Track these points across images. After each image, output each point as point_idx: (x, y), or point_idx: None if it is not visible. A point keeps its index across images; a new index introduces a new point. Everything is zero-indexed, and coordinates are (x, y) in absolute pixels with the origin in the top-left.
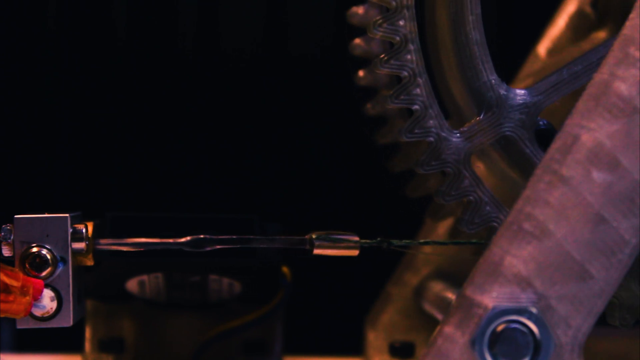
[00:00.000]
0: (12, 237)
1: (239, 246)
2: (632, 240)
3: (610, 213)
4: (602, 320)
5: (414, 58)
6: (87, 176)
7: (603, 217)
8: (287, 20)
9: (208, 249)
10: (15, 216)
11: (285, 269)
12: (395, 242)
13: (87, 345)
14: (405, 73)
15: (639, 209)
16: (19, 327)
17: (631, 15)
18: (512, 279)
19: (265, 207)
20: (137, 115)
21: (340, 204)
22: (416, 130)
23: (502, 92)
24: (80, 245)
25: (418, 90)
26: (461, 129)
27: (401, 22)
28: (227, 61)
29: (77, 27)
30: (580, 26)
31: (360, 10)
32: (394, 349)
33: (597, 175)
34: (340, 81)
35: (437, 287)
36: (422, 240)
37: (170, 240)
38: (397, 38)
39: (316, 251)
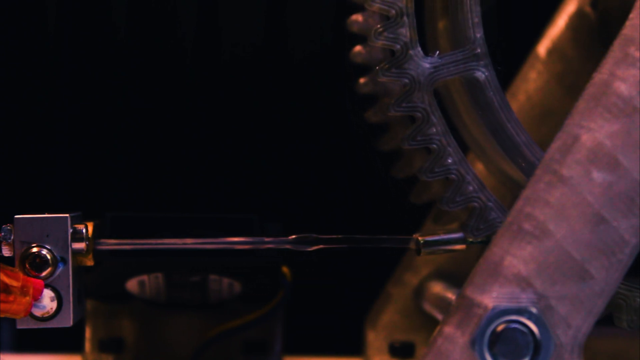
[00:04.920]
0: (12, 237)
1: (343, 245)
2: (632, 240)
3: (610, 213)
4: (602, 321)
5: (455, 159)
6: (87, 176)
7: (603, 217)
8: (287, 20)
9: (314, 248)
10: (15, 216)
11: (285, 269)
12: None
13: (87, 345)
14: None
15: (639, 209)
16: (19, 327)
17: (631, 15)
18: (512, 279)
19: (265, 207)
20: (137, 115)
21: (341, 204)
22: (481, 226)
23: None
24: (80, 245)
25: (471, 187)
26: None
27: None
28: (227, 61)
29: (77, 27)
30: (580, 26)
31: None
32: (394, 349)
33: (597, 175)
34: (341, 81)
35: (437, 287)
36: None
37: (275, 239)
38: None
39: (424, 252)
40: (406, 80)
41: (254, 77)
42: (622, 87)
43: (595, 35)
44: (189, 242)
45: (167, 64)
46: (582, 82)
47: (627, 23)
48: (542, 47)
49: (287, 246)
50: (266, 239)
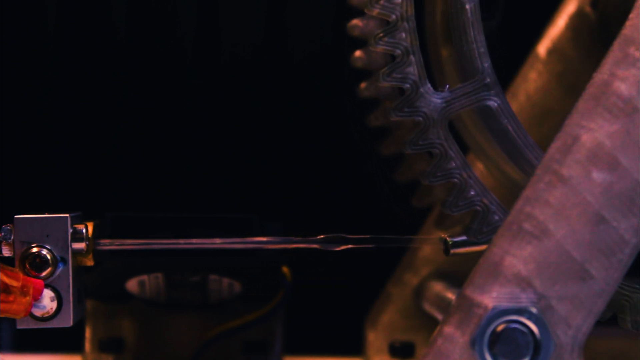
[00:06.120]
0: (12, 237)
1: (372, 246)
2: (632, 240)
3: (610, 213)
4: (602, 321)
5: (478, 190)
6: (87, 176)
7: (603, 217)
8: (287, 20)
9: (342, 248)
10: (15, 216)
11: (285, 269)
12: None
13: (87, 345)
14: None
15: (639, 209)
16: (19, 327)
17: (631, 15)
18: (512, 279)
19: (265, 207)
20: (137, 115)
21: (341, 204)
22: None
23: None
24: (80, 245)
25: (497, 217)
26: None
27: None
28: (227, 61)
29: (77, 27)
30: (580, 26)
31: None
32: (394, 349)
33: (597, 175)
34: (341, 81)
35: (437, 287)
36: None
37: (303, 239)
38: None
39: (453, 251)
40: (420, 119)
41: (254, 77)
42: (622, 87)
43: (595, 35)
44: (195, 242)
45: (167, 64)
46: (582, 82)
47: (627, 23)
48: (542, 47)
49: (316, 246)
50: (294, 238)
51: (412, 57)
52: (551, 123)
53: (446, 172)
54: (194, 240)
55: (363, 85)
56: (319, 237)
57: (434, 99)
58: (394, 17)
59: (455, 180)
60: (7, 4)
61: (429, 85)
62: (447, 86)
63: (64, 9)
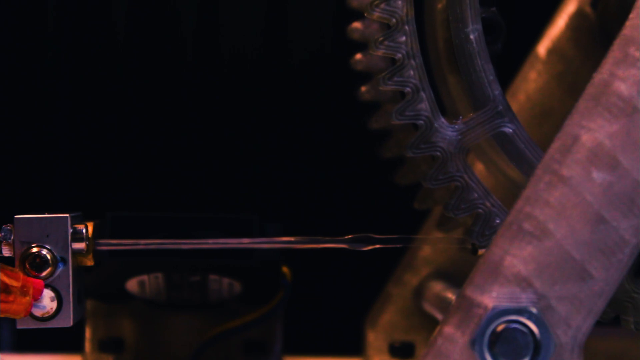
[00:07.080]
0: (12, 237)
1: (399, 245)
2: (632, 240)
3: (610, 213)
4: (602, 321)
5: (503, 218)
6: (87, 176)
7: (603, 217)
8: (287, 21)
9: (369, 247)
10: (15, 216)
11: (285, 269)
12: None
13: (87, 345)
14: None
15: (639, 209)
16: (19, 327)
17: (631, 15)
18: (512, 279)
19: (265, 207)
20: (137, 115)
21: (341, 204)
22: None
23: None
24: (81, 245)
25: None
26: None
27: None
28: (227, 61)
29: (77, 27)
30: (580, 26)
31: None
32: (394, 349)
33: (597, 175)
34: (341, 81)
35: (437, 287)
36: None
37: (331, 238)
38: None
39: (480, 252)
40: (438, 154)
41: (254, 77)
42: (622, 87)
43: (595, 35)
44: (222, 242)
45: (167, 63)
46: (582, 82)
47: (627, 23)
48: (542, 47)
49: (344, 245)
50: (322, 238)
51: (422, 94)
52: (551, 123)
53: (469, 203)
54: (221, 240)
55: (373, 118)
56: (346, 237)
57: (449, 133)
58: (400, 55)
59: (480, 210)
60: (7, 4)
61: (443, 119)
62: (461, 118)
63: (64, 9)
